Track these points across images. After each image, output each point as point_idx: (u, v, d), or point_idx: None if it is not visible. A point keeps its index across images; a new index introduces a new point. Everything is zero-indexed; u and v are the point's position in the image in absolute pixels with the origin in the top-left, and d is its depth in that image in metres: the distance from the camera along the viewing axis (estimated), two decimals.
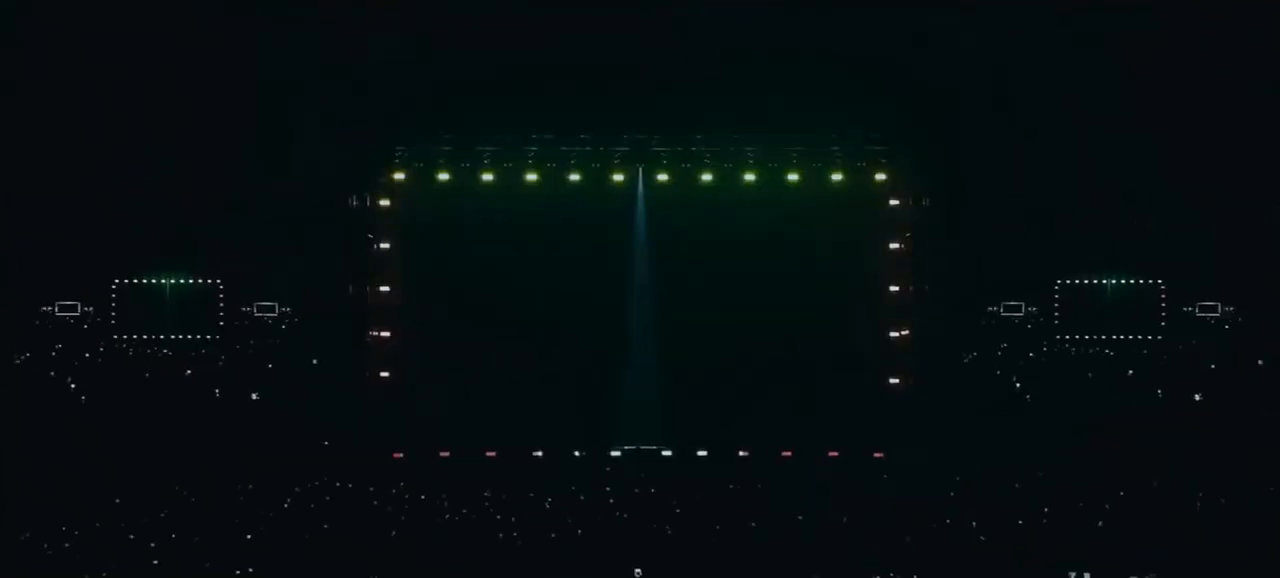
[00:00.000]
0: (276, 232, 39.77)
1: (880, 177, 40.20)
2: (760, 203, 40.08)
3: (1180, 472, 35.86)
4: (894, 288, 40.18)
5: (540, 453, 39.49)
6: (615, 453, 39.68)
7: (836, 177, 40.04)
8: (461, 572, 26.95)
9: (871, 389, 39.84)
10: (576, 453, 39.55)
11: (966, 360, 41.02)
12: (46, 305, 40.23)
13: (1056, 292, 40.98)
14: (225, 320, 40.83)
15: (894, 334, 40.10)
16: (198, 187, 39.57)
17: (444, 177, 40.17)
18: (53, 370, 40.25)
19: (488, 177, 40.12)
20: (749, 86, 39.35)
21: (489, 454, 39.32)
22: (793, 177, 40.02)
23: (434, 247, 40.31)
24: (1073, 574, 26.34)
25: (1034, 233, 40.05)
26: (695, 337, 39.79)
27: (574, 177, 40.15)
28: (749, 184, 40.08)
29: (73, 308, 40.36)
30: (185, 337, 40.59)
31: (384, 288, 40.18)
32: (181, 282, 40.45)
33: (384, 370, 39.98)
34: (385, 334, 40.11)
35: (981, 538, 29.45)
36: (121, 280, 40.35)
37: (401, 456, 39.25)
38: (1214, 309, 40.47)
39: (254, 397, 40.44)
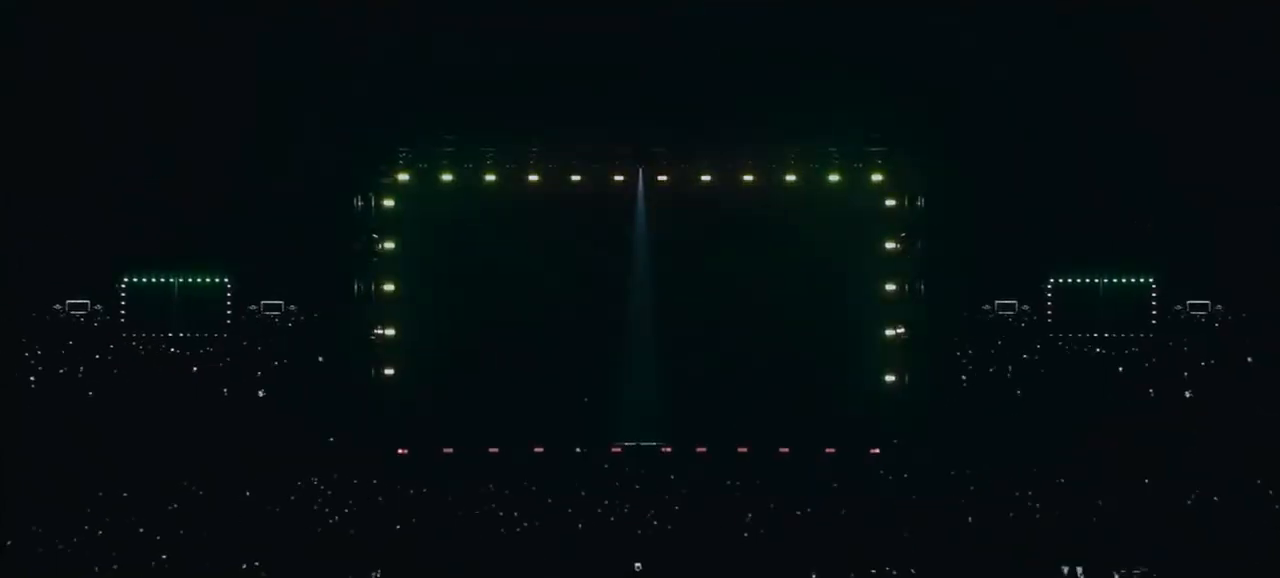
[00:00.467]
0: (283, 231, 39.76)
1: (876, 177, 40.17)
2: (758, 203, 40.03)
3: (1171, 467, 35.85)
4: (890, 287, 40.16)
5: (541, 449, 39.45)
6: (616, 449, 39.65)
7: (833, 177, 40.02)
8: (464, 566, 26.94)
9: (868, 386, 39.80)
10: (577, 449, 39.51)
11: (961, 358, 41.00)
12: (57, 303, 40.25)
13: (1049, 290, 40.98)
14: (232, 318, 40.83)
15: (890, 332, 40.07)
16: (205, 187, 39.55)
17: (447, 177, 40.15)
18: (62, 367, 40.23)
19: (490, 177, 40.10)
20: (748, 88, 39.34)
21: (491, 450, 39.28)
22: (790, 177, 40.00)
23: (437, 246, 40.28)
24: (1066, 568, 26.32)
25: (1027, 233, 40.03)
26: (694, 334, 39.77)
27: (575, 177, 40.11)
28: (747, 184, 40.04)
29: (82, 306, 40.38)
30: (193, 334, 40.59)
31: (388, 287, 40.15)
32: (189, 280, 40.44)
33: (388, 368, 39.95)
34: (389, 332, 40.09)
35: (976, 532, 29.46)
36: (130, 279, 40.36)
37: (405, 451, 39.23)
38: (1204, 308, 40.48)
39: (260, 394, 40.43)
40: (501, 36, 38.61)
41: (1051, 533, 29.36)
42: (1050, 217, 40.16)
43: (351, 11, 38.62)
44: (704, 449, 39.54)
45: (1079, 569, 26.23)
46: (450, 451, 39.33)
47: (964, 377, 40.86)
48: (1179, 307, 40.57)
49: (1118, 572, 26.02)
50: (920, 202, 40.18)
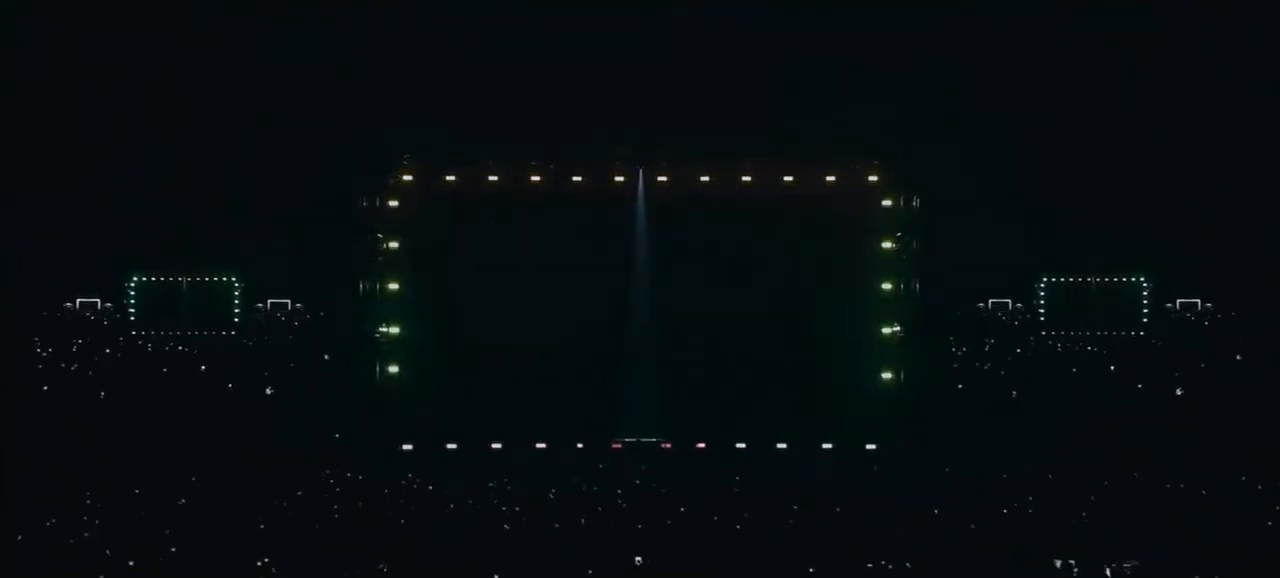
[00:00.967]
0: (290, 231, 39.77)
1: (872, 178, 40.13)
2: (756, 203, 40.00)
3: (1161, 461, 35.86)
4: (886, 285, 40.12)
5: (543, 445, 39.44)
6: (616, 445, 39.63)
7: (830, 178, 39.97)
8: (467, 559, 26.90)
9: (864, 383, 39.77)
10: (579, 445, 39.50)
11: (956, 354, 41.02)
12: (68, 301, 40.26)
13: (1042, 289, 40.99)
14: (240, 316, 40.83)
15: (886, 330, 40.04)
16: (213, 189, 39.57)
17: (450, 178, 40.12)
18: (73, 363, 40.24)
19: (492, 178, 40.07)
20: (746, 90, 39.35)
21: (494, 446, 39.27)
22: (788, 178, 39.97)
23: (441, 245, 40.26)
24: (1059, 561, 26.30)
25: (1020, 233, 40.05)
26: (693, 332, 39.76)
27: (576, 178, 40.09)
28: (745, 184, 40.02)
29: (92, 304, 40.39)
30: (201, 332, 40.59)
31: (392, 285, 40.11)
32: (198, 279, 40.45)
33: (392, 365, 39.92)
34: (393, 330, 40.06)
35: (971, 526, 29.44)
36: (139, 278, 40.36)
37: (410, 447, 39.21)
38: (1194, 306, 40.51)
39: (268, 391, 40.44)
40: (503, 39, 38.62)
41: (1044, 527, 29.35)
42: (1044, 217, 40.16)
43: (355, 13, 38.63)
44: (703, 445, 39.53)
45: (1071, 561, 26.21)
46: (454, 447, 39.31)
47: (958, 373, 40.90)
48: (1169, 305, 40.61)
49: (1109, 565, 25.98)
50: (915, 202, 40.12)
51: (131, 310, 40.36)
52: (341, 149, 39.56)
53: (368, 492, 33.74)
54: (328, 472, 35.70)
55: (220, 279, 40.49)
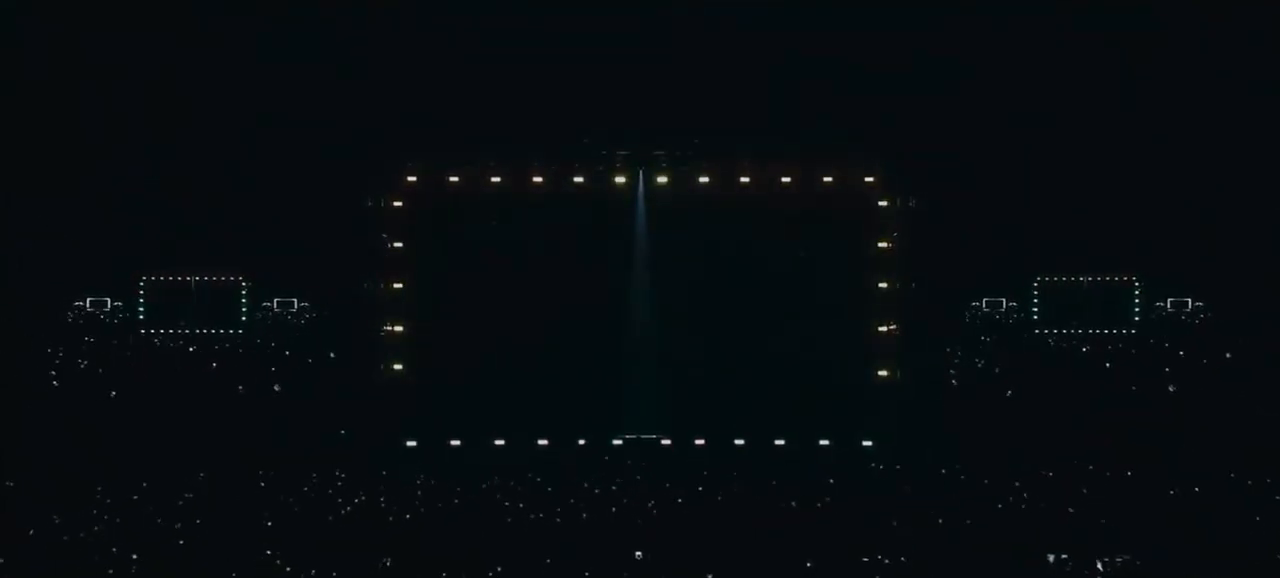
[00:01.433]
0: (296, 231, 39.83)
1: (869, 178, 40.17)
2: (754, 203, 40.05)
3: (1153, 459, 35.93)
4: (882, 284, 40.16)
5: (545, 442, 39.51)
6: (617, 442, 39.70)
7: (827, 178, 40.02)
8: (470, 554, 26.99)
9: (860, 381, 39.83)
10: (580, 442, 39.56)
11: (950, 353, 41.07)
12: (78, 300, 40.32)
13: (1036, 288, 41.05)
14: (247, 315, 40.89)
15: (882, 328, 40.09)
16: (221, 190, 39.61)
17: (453, 178, 40.17)
18: (83, 361, 40.31)
19: (495, 178, 40.12)
20: (744, 93, 39.40)
21: (496, 443, 39.33)
22: (785, 178, 40.01)
23: (444, 245, 40.32)
24: (1052, 556, 26.39)
25: (1014, 232, 40.09)
26: (693, 331, 39.83)
27: (577, 178, 40.15)
28: (744, 186, 40.06)
29: (103, 303, 40.44)
30: (209, 331, 40.65)
31: (397, 284, 40.16)
32: (206, 279, 40.51)
33: (397, 363, 39.97)
34: (398, 328, 40.10)
35: (965, 522, 29.53)
36: (149, 277, 40.42)
37: (413, 444, 39.28)
38: (1185, 305, 40.57)
39: (275, 388, 40.51)
40: (504, 39, 38.66)
41: (1037, 522, 29.44)
42: (1038, 217, 40.20)
43: (359, 14, 38.66)
44: (702, 442, 39.59)
45: (1064, 556, 26.29)
46: (457, 443, 39.37)
47: (953, 371, 40.95)
48: (1161, 304, 40.66)
49: (1101, 560, 26.07)
50: (912, 202, 40.16)
51: (141, 310, 40.37)
52: (345, 150, 39.61)
53: (372, 487, 33.83)
54: (332, 468, 35.78)
55: (227, 279, 40.51)
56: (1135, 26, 38.31)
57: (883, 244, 40.18)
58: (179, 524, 28.75)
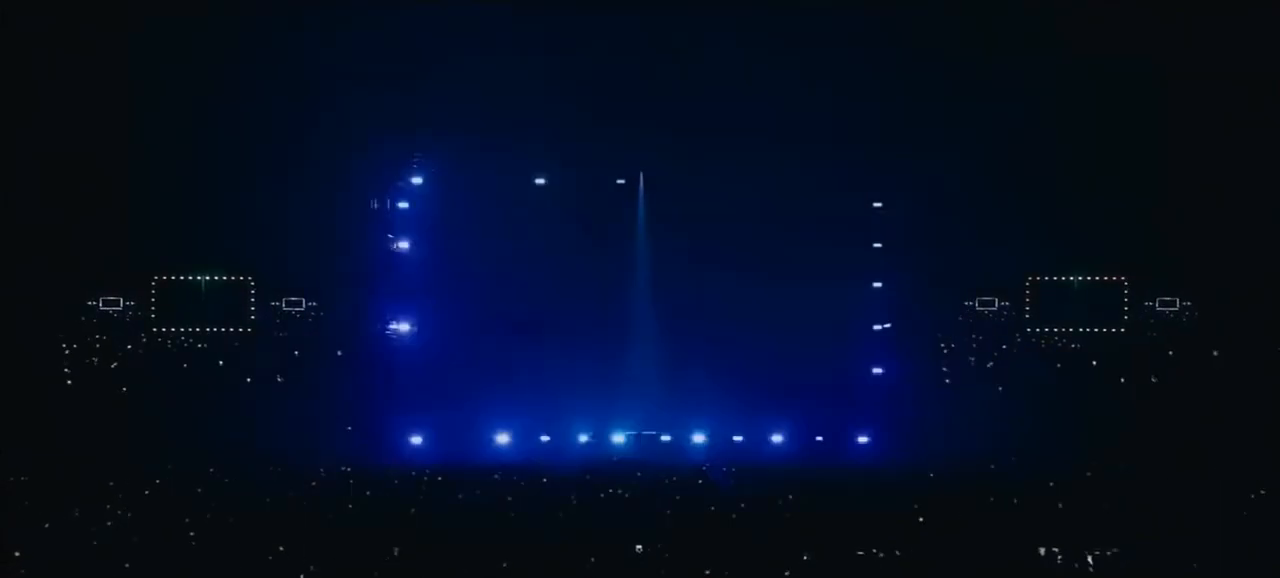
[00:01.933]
0: (304, 232, 39.87)
1: (865, 179, 40.19)
2: (752, 202, 40.11)
3: (1141, 453, 36.04)
4: (877, 284, 40.25)
5: (547, 438, 39.61)
6: (618, 438, 39.80)
7: (825, 178, 40.03)
8: (475, 547, 27.07)
9: (856, 378, 39.91)
10: (582, 438, 39.67)
11: (944, 350, 41.13)
12: (91, 300, 40.38)
13: (1027, 288, 41.11)
14: (256, 314, 40.96)
15: (877, 327, 40.18)
16: (230, 191, 39.64)
17: (457, 180, 40.24)
18: (95, 358, 40.36)
19: (498, 180, 40.19)
20: (743, 94, 39.43)
21: (500, 440, 39.42)
22: (783, 178, 40.04)
23: (449, 246, 40.39)
24: (1042, 550, 26.46)
25: (1007, 233, 40.09)
26: (692, 330, 39.90)
27: (579, 180, 40.22)
28: (742, 185, 40.10)
29: (115, 302, 40.51)
30: (219, 329, 40.72)
31: (402, 284, 40.24)
32: (215, 278, 40.59)
33: (402, 361, 40.05)
34: (403, 327, 40.21)
35: (958, 516, 29.60)
36: (160, 277, 40.51)
37: (419, 440, 39.38)
38: (1172, 304, 40.63)
39: (278, 379, 40.55)
40: (504, 38, 38.70)
41: (1030, 516, 29.51)
42: (1030, 217, 40.18)
43: (362, 16, 38.68)
44: (701, 438, 39.69)
45: (1054, 549, 26.38)
46: (459, 440, 39.43)
47: (946, 369, 41.03)
48: (1149, 303, 40.72)
49: (1091, 553, 26.15)
50: (907, 204, 40.21)
51: (153, 309, 40.44)
52: (351, 151, 39.67)
53: (379, 481, 33.90)
54: (339, 464, 35.86)
55: (237, 278, 40.59)
56: (1131, 27, 38.30)
57: (878, 245, 40.24)
58: (188, 518, 28.81)
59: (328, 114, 39.09)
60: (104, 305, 40.41)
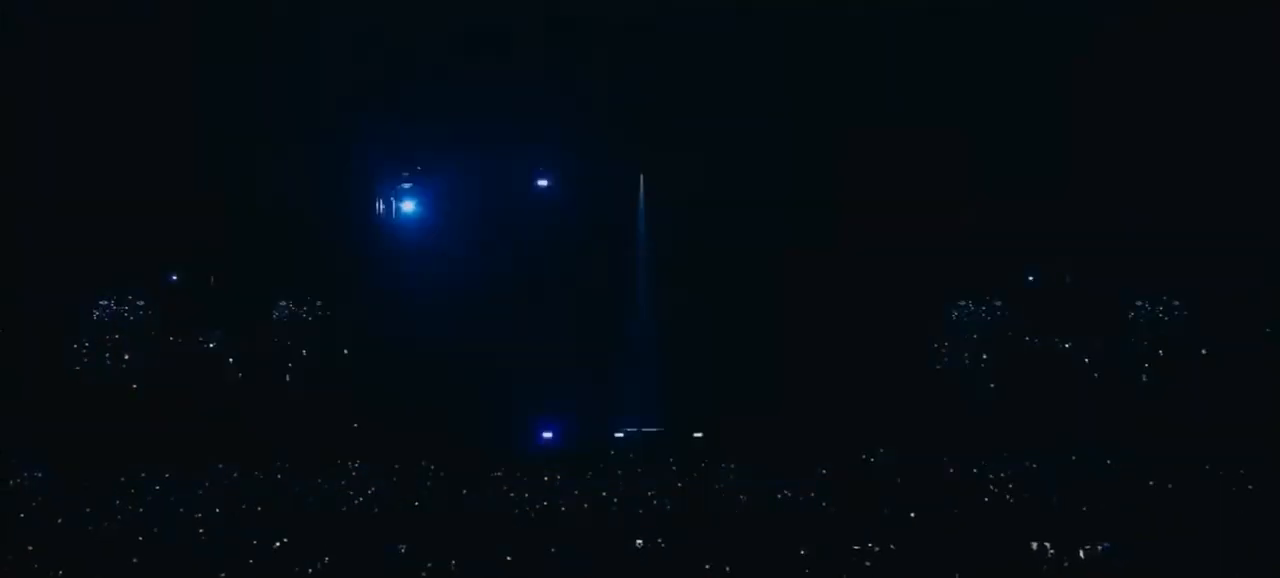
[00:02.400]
0: (311, 235, 39.97)
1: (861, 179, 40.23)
2: (750, 202, 40.18)
3: (1133, 450, 36.06)
4: (874, 283, 40.26)
5: (549, 434, 39.68)
6: (618, 434, 39.87)
7: (821, 179, 40.09)
8: (478, 541, 27.16)
9: (853, 377, 39.94)
10: (582, 435, 39.74)
11: (939, 349, 41.21)
12: (102, 299, 40.49)
13: (1020, 286, 41.17)
14: (262, 314, 41.05)
15: (873, 326, 40.19)
16: (238, 193, 39.73)
17: (459, 182, 40.31)
18: (107, 357, 40.48)
19: (499, 180, 40.24)
20: (742, 94, 39.50)
21: (501, 437, 39.48)
22: (781, 178, 40.10)
23: (452, 247, 40.47)
24: (1035, 544, 26.55)
25: (1001, 234, 40.14)
26: (691, 329, 39.99)
27: (580, 180, 40.29)
28: (741, 185, 40.16)
29: (125, 301, 40.59)
30: (226, 329, 40.80)
31: (406, 284, 40.31)
32: (224, 278, 40.68)
33: (406, 360, 40.12)
34: (408, 327, 40.25)
35: (953, 512, 29.68)
36: (170, 277, 40.58)
37: (422, 437, 39.43)
38: (1163, 304, 40.72)
39: (286, 377, 40.65)
40: (504, 38, 38.77)
41: (1023, 512, 29.59)
42: (1023, 220, 40.22)
43: (364, 18, 38.74)
44: (700, 435, 39.74)
45: (1047, 544, 26.46)
46: (463, 438, 39.50)
47: (940, 367, 41.14)
48: (1140, 302, 40.79)
49: (1083, 548, 26.24)
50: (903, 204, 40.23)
51: (162, 308, 40.54)
52: (353, 153, 39.76)
53: (385, 478, 33.98)
54: (346, 461, 35.94)
55: (244, 278, 40.69)
56: (1124, 28, 38.33)
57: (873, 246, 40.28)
58: (199, 514, 28.93)
59: (328, 113, 39.15)
60: (114, 304, 40.50)
